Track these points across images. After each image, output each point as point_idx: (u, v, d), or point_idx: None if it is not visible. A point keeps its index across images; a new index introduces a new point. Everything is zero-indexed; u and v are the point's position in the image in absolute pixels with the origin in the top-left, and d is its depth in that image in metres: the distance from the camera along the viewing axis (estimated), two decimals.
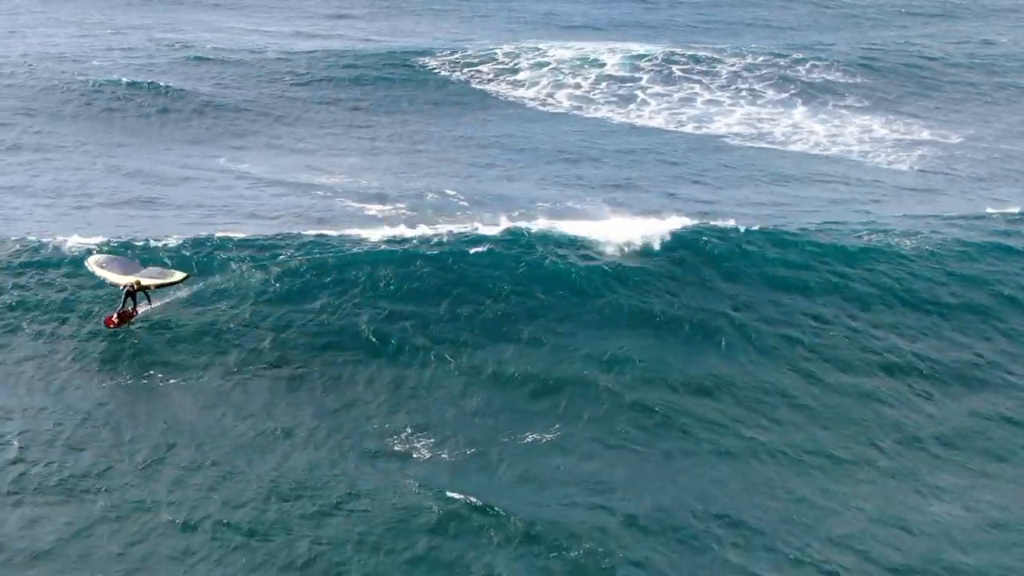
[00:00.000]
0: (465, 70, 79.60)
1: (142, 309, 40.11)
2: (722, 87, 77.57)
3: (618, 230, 46.80)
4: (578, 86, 77.62)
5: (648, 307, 41.84)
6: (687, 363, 39.30)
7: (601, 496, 33.19)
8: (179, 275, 40.51)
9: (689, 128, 70.28)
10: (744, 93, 76.58)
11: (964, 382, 39.73)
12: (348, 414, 36.34)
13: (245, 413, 36.12)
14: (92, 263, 41.03)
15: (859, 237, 47.60)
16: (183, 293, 41.38)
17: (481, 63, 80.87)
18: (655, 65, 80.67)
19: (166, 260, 43.31)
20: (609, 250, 45.00)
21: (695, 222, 47.83)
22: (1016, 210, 52.44)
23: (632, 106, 74.26)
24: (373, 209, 52.57)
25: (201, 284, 42.02)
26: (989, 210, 52.75)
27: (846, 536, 32.32)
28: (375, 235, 46.30)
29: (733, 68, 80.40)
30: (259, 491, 32.53)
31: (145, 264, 41.79)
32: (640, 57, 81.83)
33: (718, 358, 39.70)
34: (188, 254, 43.87)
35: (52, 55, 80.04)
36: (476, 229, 46.88)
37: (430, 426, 35.81)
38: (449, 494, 32.52)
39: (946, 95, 77.00)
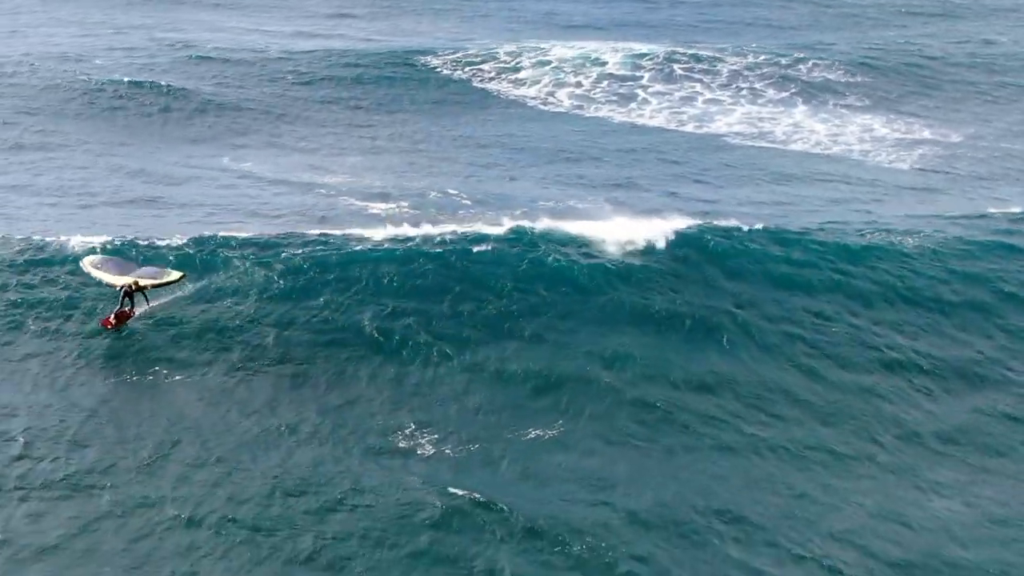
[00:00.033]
0: (467, 69, 79.69)
1: (140, 310, 40.08)
2: (723, 86, 77.65)
3: (620, 229, 46.95)
4: (579, 84, 77.71)
5: (650, 304, 42.02)
6: (689, 360, 39.50)
7: (603, 492, 33.41)
8: (175, 274, 40.56)
9: (690, 127, 70.35)
10: (745, 92, 76.67)
11: (964, 378, 39.94)
12: (351, 410, 36.55)
13: (249, 409, 36.33)
14: (87, 264, 40.99)
15: (861, 236, 47.74)
16: (186, 291, 41.54)
17: (483, 62, 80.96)
18: (657, 63, 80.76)
19: (170, 258, 43.50)
20: (611, 248, 45.14)
21: (697, 221, 48.00)
22: (1018, 210, 52.55)
23: (633, 105, 74.37)
24: (376, 208, 52.70)
25: (205, 281, 42.25)
26: (991, 210, 52.86)
27: (847, 531, 32.55)
28: (378, 233, 46.45)
29: (734, 67, 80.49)
30: (263, 487, 32.74)
31: (140, 264, 41.87)
32: (642, 56, 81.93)
33: (719, 355, 39.89)
34: (193, 252, 44.02)
35: (54, 54, 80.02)
36: (478, 228, 47.05)
37: (433, 422, 36.02)
38: (452, 490, 32.72)
39: (946, 94, 77.06)
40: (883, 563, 31.47)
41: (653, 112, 72.96)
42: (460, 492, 32.59)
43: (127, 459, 33.75)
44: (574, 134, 68.14)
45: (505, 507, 32.02)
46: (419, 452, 34.74)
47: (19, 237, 45.93)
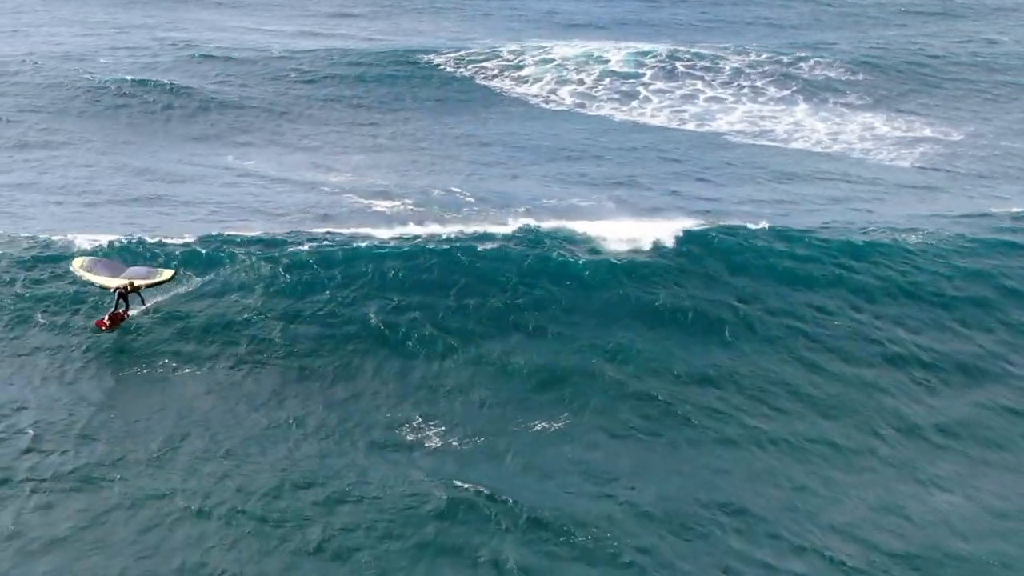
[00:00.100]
0: (470, 66, 79.96)
1: (135, 310, 40.09)
2: (724, 84, 77.91)
3: (623, 226, 47.28)
4: (581, 82, 77.98)
5: (653, 299, 42.23)
6: (692, 354, 39.70)
7: (607, 484, 33.67)
8: (167, 273, 40.62)
9: (691, 125, 70.62)
10: (746, 90, 76.92)
11: (965, 372, 40.12)
12: (357, 403, 36.83)
13: (256, 402, 36.59)
14: (77, 267, 40.85)
15: (865, 233, 47.94)
16: (193, 285, 41.88)
17: (486, 60, 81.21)
18: (659, 61, 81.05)
19: (178, 254, 43.80)
20: (614, 245, 45.36)
21: (700, 219, 48.30)
22: (1019, 209, 52.67)
23: (635, 103, 74.65)
24: (379, 206, 53.02)
25: (212, 276, 42.54)
26: (994, 209, 53.08)
27: (848, 524, 32.79)
28: (382, 230, 46.75)
29: (736, 65, 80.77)
30: (271, 479, 33.00)
31: (128, 264, 41.90)
32: (644, 54, 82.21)
33: (722, 348, 40.10)
34: (199, 250, 44.22)
35: (57, 53, 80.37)
36: (482, 225, 47.44)
37: (438, 415, 36.29)
38: (457, 482, 32.97)
39: (947, 93, 77.24)
40: (884, 555, 31.68)
41: (655, 110, 73.25)
42: (465, 484, 32.84)
43: (136, 452, 34.01)
44: (576, 132, 68.43)
45: (510, 499, 32.28)
46: (425, 445, 35.00)
47: (25, 235, 46.14)
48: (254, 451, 34.29)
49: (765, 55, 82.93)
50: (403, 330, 39.97)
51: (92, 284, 40.50)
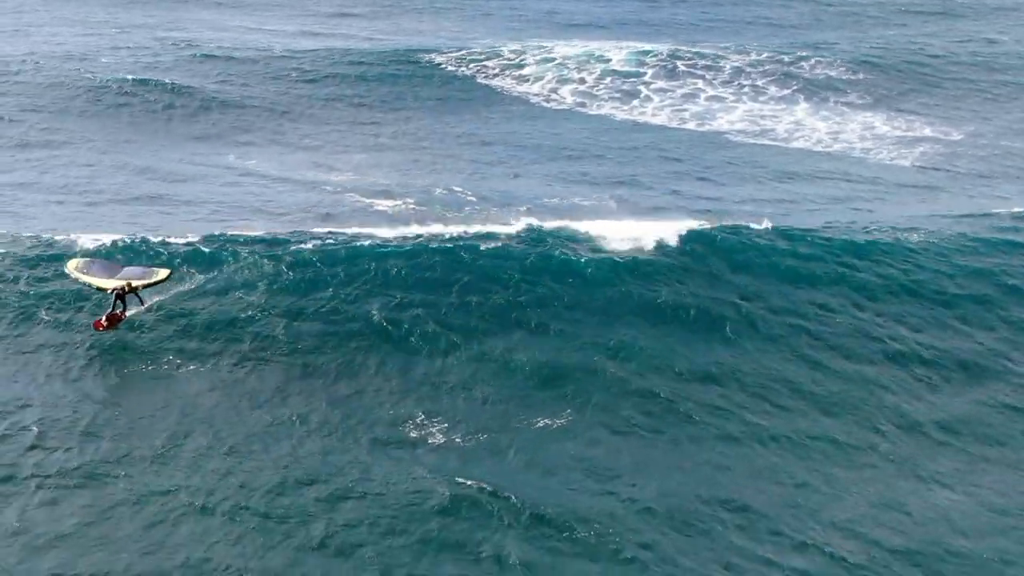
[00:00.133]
0: (471, 65, 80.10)
1: (132, 311, 40.05)
2: (725, 83, 78.02)
3: (625, 225, 47.43)
4: (582, 81, 78.10)
5: (655, 296, 42.35)
6: (694, 351, 39.83)
7: (609, 481, 33.81)
8: (163, 272, 40.63)
9: (692, 125, 70.72)
10: (747, 89, 77.03)
11: (966, 370, 40.22)
12: (360, 400, 36.99)
13: (260, 399, 36.80)
14: (72, 269, 40.80)
15: (867, 232, 48.04)
16: (196, 282, 42.00)
17: (487, 59, 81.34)
18: (660, 60, 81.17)
19: (180, 254, 43.92)
20: (616, 244, 45.46)
21: (702, 219, 48.33)
22: (1021, 209, 52.80)
23: (635, 102, 74.76)
24: (382, 205, 53.19)
25: (215, 272, 42.68)
26: (995, 208, 53.21)
27: (849, 520, 32.92)
28: (384, 229, 46.89)
29: (736, 64, 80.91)
30: (275, 475, 33.16)
31: (122, 264, 41.96)
32: (646, 53, 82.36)
33: (724, 346, 40.23)
34: (204, 249, 44.30)
35: (58, 53, 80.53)
36: (484, 223, 47.65)
37: (441, 412, 36.44)
38: (459, 479, 33.12)
39: (947, 92, 77.34)
40: (885, 551, 31.79)
41: (655, 109, 73.36)
42: (468, 481, 32.98)
43: (140, 448, 34.17)
44: (577, 131, 68.55)
45: (512, 495, 32.40)
46: (427, 441, 35.16)
47: (28, 235, 46.34)
48: (257, 448, 34.47)
49: (766, 54, 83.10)
50: (406, 327, 40.12)
51: (89, 286, 40.48)
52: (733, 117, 71.87)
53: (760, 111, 73.02)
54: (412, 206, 52.76)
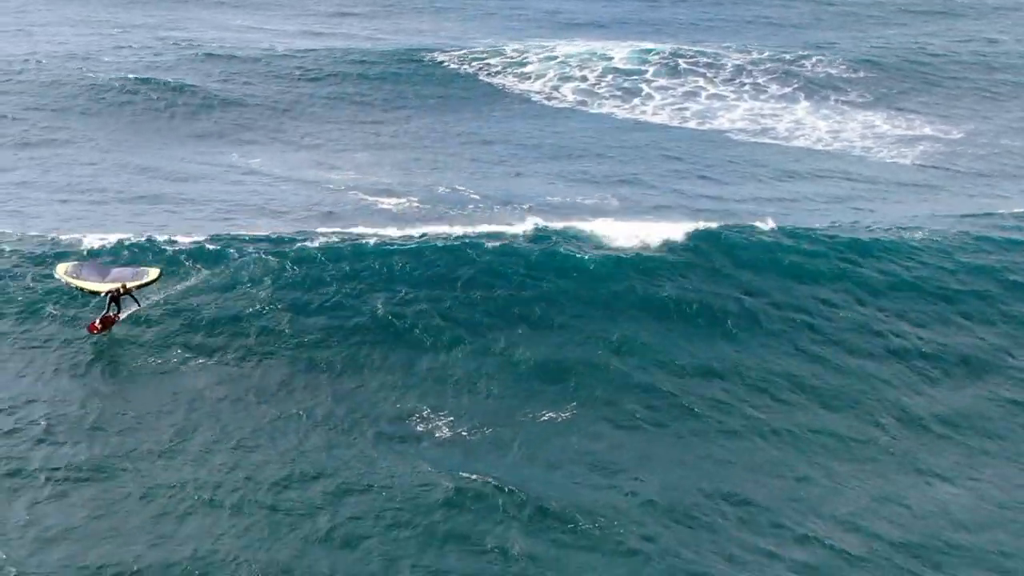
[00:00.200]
0: (473, 64, 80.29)
1: (130, 311, 40.07)
2: (726, 81, 78.25)
3: (627, 223, 47.75)
4: (584, 79, 78.27)
5: (659, 292, 42.66)
6: (696, 346, 40.14)
7: (612, 474, 34.13)
8: (154, 272, 40.58)
9: (693, 124, 70.90)
10: (747, 87, 77.24)
11: (967, 364, 40.58)
12: (365, 394, 37.29)
13: (266, 393, 37.06)
14: (62, 274, 40.64)
15: (870, 231, 48.25)
16: (200, 277, 42.26)
17: (488, 57, 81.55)
18: (663, 59, 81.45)
19: (185, 252, 44.14)
20: (620, 241, 45.73)
21: (704, 218, 48.63)
22: (1021, 209, 53.03)
23: (636, 100, 74.94)
24: (385, 203, 53.38)
25: (221, 267, 42.95)
26: (998, 207, 53.47)
27: (850, 513, 33.26)
28: (388, 227, 47.28)
29: (737, 62, 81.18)
30: (281, 469, 33.48)
31: (110, 266, 41.85)
32: (648, 52, 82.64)
33: (727, 341, 40.57)
34: (209, 246, 44.59)
35: (60, 52, 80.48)
36: (488, 221, 48.09)
37: (445, 406, 36.75)
38: (463, 472, 33.41)
39: (947, 91, 77.55)
40: (885, 544, 32.14)
41: (656, 108, 73.55)
42: (472, 475, 33.28)
43: (148, 442, 34.48)
44: (578, 130, 68.77)
45: (516, 489, 32.69)
46: (432, 435, 35.46)
47: (34, 233, 46.62)
48: (264, 441, 34.76)
49: (767, 53, 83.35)
50: (410, 322, 40.43)
51: (81, 290, 40.39)
52: (734, 116, 72.07)
53: (761, 110, 73.23)
54: (416, 204, 53.01)
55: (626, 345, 39.74)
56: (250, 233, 46.28)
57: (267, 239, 45.50)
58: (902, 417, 37.55)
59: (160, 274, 40.63)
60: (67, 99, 70.63)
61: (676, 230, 46.13)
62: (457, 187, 56.27)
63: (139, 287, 39.99)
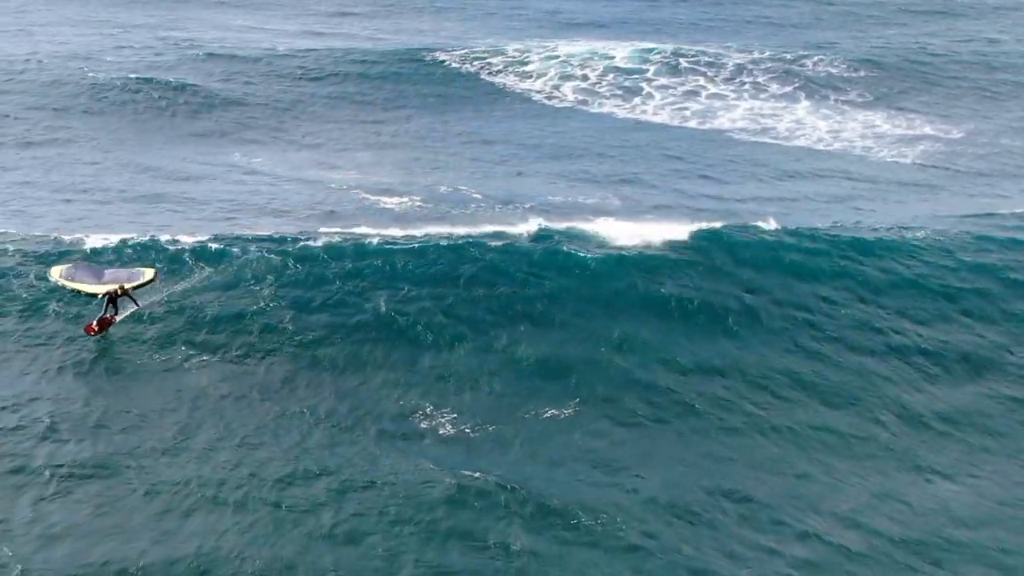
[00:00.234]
0: (474, 63, 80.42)
1: (129, 311, 40.11)
2: (727, 80, 78.40)
3: (629, 222, 47.88)
4: (585, 78, 78.50)
5: (660, 290, 42.82)
6: (697, 343, 40.34)
7: (613, 472, 34.31)
8: (150, 272, 40.70)
9: (693, 123, 71.00)
10: (748, 87, 77.38)
11: (968, 361, 40.76)
12: (367, 391, 37.49)
13: (269, 391, 37.25)
14: (57, 277, 40.64)
15: (872, 231, 48.38)
16: (203, 275, 42.40)
17: (489, 57, 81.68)
18: (664, 57, 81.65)
19: (189, 251, 44.29)
20: (622, 240, 45.91)
21: (706, 217, 48.82)
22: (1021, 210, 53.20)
23: (637, 99, 75.07)
24: (387, 202, 53.52)
25: (224, 264, 43.09)
26: (999, 207, 53.62)
27: (850, 510, 33.43)
28: (390, 226, 47.49)
29: (738, 61, 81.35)
30: (284, 466, 33.66)
31: (101, 267, 42.00)
32: (650, 51, 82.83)
33: (728, 338, 40.73)
34: (213, 245, 44.73)
35: (61, 52, 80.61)
36: (490, 220, 48.33)
37: (447, 403, 36.94)
38: (466, 470, 33.59)
39: (947, 90, 77.67)
40: (885, 541, 32.31)
41: (657, 108, 73.68)
42: (474, 471, 33.46)
43: (152, 440, 34.64)
44: (579, 129, 68.92)
45: (518, 486, 32.87)
46: (434, 432, 35.65)
47: (38, 233, 46.78)
48: (267, 439, 34.94)
49: (768, 52, 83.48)
50: (413, 319, 40.63)
51: (78, 292, 40.41)
52: (735, 115, 72.19)
53: (761, 109, 73.34)
54: (418, 203, 53.15)
55: (628, 343, 39.94)
56: (253, 232, 46.47)
57: (270, 238, 45.65)
58: (902, 414, 37.76)
59: (156, 274, 40.76)
60: (69, 98, 70.77)
61: (678, 230, 46.25)
62: (459, 186, 56.39)
63: (136, 288, 40.02)
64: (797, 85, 77.56)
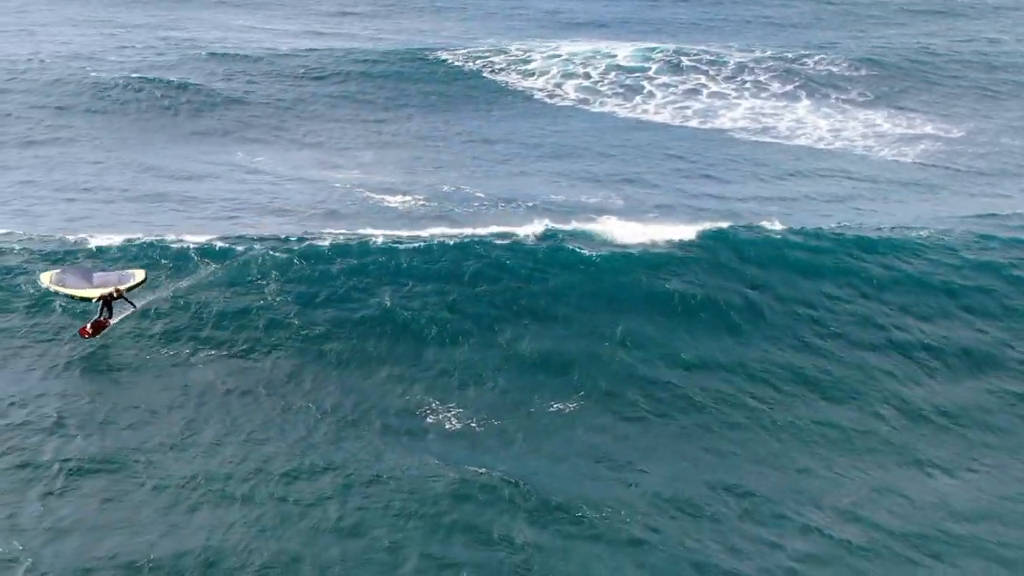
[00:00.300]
0: (476, 62, 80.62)
1: (127, 312, 40.22)
2: (728, 78, 78.65)
3: (633, 222, 48.08)
4: (587, 76, 78.76)
5: (663, 285, 43.07)
6: (700, 339, 40.58)
7: (617, 466, 34.57)
8: (140, 274, 40.71)
9: (694, 123, 71.20)
10: (748, 85, 77.62)
11: (968, 356, 40.99)
12: (372, 386, 37.73)
13: (274, 386, 37.50)
14: (47, 282, 40.33)
15: (876, 230, 48.57)
16: (209, 271, 42.59)
17: (491, 56, 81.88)
18: (666, 56, 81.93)
19: (194, 250, 44.44)
20: (625, 238, 46.17)
21: (708, 217, 49.08)
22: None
23: (638, 98, 75.29)
24: (391, 201, 53.71)
25: (229, 264, 43.30)
26: (1000, 206, 53.85)
27: (851, 504, 33.69)
28: (394, 224, 47.73)
29: (740, 60, 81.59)
30: (290, 460, 33.93)
31: (90, 269, 41.82)
32: (652, 50, 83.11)
33: (730, 334, 40.96)
34: (218, 243, 44.95)
35: (63, 52, 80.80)
36: (494, 218, 48.46)
37: (451, 398, 37.20)
38: (469, 465, 33.87)
39: (947, 90, 77.92)
40: (885, 534, 32.57)
41: (658, 107, 73.91)
42: (478, 467, 33.75)
43: (159, 435, 34.91)
44: (581, 129, 69.12)
45: (522, 480, 33.16)
46: (438, 427, 35.90)
47: (42, 233, 46.97)
48: (273, 433, 35.19)
49: (769, 51, 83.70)
50: (417, 314, 40.88)
51: (71, 297, 40.29)
52: (735, 114, 72.41)
53: (762, 108, 73.57)
54: (421, 202, 53.34)
55: (631, 338, 40.17)
56: (257, 231, 46.69)
57: (275, 237, 45.84)
58: (903, 409, 38.00)
59: (145, 276, 40.74)
60: (71, 97, 70.95)
61: (682, 229, 46.45)
62: (461, 185, 56.57)
63: (129, 289, 40.05)
64: (798, 84, 77.81)
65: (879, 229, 48.55)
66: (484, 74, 78.71)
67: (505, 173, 60.39)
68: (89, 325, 39.60)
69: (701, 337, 40.61)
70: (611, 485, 33.69)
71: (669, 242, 45.61)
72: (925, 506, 33.86)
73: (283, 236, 45.84)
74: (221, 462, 33.72)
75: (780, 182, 60.06)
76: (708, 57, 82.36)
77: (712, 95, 76.17)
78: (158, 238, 45.58)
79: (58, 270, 41.34)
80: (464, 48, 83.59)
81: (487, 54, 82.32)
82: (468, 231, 46.23)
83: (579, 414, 36.77)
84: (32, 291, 41.91)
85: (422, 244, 44.81)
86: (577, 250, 44.63)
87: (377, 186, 56.29)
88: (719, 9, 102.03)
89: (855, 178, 61.12)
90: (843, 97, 75.98)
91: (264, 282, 42.48)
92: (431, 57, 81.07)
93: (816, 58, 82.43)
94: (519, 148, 65.28)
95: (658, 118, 72.12)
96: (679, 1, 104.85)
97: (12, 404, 36.06)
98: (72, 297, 40.24)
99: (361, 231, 46.50)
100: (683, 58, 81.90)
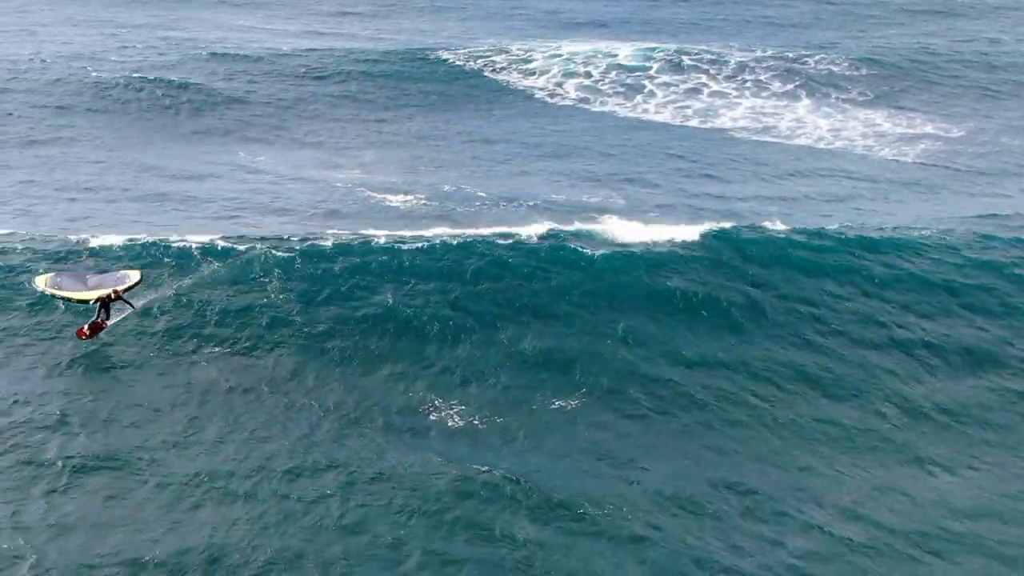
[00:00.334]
0: (478, 61, 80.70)
1: (119, 317, 40.11)
2: (728, 77, 78.73)
3: (634, 221, 48.16)
4: (588, 75, 78.83)
5: (666, 284, 43.14)
6: (702, 337, 40.65)
7: (618, 463, 34.64)
8: (136, 275, 40.64)
9: (695, 122, 71.26)
10: (749, 84, 77.70)
11: (970, 354, 41.05)
12: (374, 384, 37.80)
13: (277, 384, 37.57)
14: (43, 285, 40.18)
15: (878, 230, 48.65)
16: (212, 269, 42.64)
17: (492, 55, 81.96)
18: (667, 55, 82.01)
19: (196, 249, 44.46)
20: (626, 237, 46.26)
21: (709, 216, 49.14)
22: None
23: (639, 97, 75.35)
24: (392, 200, 53.76)
25: (231, 262, 43.36)
26: (1000, 205, 53.91)
27: (852, 502, 33.76)
28: (396, 224, 47.74)
29: (740, 59, 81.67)
30: (292, 458, 34.00)
31: (84, 271, 41.87)
32: (653, 49, 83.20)
33: (732, 332, 41.03)
34: (220, 242, 44.95)
35: (64, 52, 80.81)
36: (495, 218, 48.48)
37: (453, 396, 37.27)
38: (471, 463, 33.94)
39: (947, 89, 78.00)
40: (886, 532, 32.62)
41: (659, 106, 73.96)
42: (480, 464, 33.84)
43: (162, 432, 34.98)
44: (582, 128, 69.16)
45: (523, 478, 33.23)
46: (440, 425, 35.96)
47: (44, 233, 47.03)
48: (275, 431, 35.26)
49: (770, 51, 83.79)
50: (419, 312, 40.95)
51: (68, 300, 40.09)
52: (736, 114, 72.48)
53: (763, 107, 73.65)
54: (423, 202, 53.41)
55: (633, 336, 40.25)
56: (259, 230, 46.78)
57: (276, 236, 45.93)
58: (904, 407, 38.07)
59: (141, 276, 40.72)
60: (72, 97, 70.99)
61: (684, 229, 46.55)
62: (462, 185, 56.62)
63: (126, 291, 39.97)
64: (798, 83, 77.88)
65: (881, 229, 48.59)
66: (485, 73, 78.81)
67: (506, 172, 60.43)
68: (86, 326, 39.63)
69: (702, 335, 40.75)
70: (613, 482, 33.77)
71: (670, 241, 45.70)
72: (926, 504, 33.93)
73: (285, 235, 45.92)
74: (224, 459, 33.81)
75: (780, 181, 60.13)
76: (709, 57, 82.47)
77: (713, 94, 76.27)
78: (160, 238, 45.54)
79: (53, 273, 41.27)
80: (465, 48, 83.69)
81: (488, 53, 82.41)
82: (470, 231, 46.31)
83: (581, 412, 36.86)
84: (33, 290, 41.82)
85: (424, 243, 44.88)
86: (579, 249, 44.73)
87: (378, 186, 56.34)
88: (719, 9, 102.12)
89: (855, 178, 61.18)
90: (843, 97, 76.06)
91: (267, 280, 42.55)
92: (432, 57, 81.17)
93: (816, 58, 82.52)
94: (520, 147, 65.32)
95: (659, 117, 72.20)
96: (679, 1, 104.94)
97: (15, 402, 36.13)
98: (69, 300, 40.16)
99: (363, 231, 46.51)
100: (684, 57, 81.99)
